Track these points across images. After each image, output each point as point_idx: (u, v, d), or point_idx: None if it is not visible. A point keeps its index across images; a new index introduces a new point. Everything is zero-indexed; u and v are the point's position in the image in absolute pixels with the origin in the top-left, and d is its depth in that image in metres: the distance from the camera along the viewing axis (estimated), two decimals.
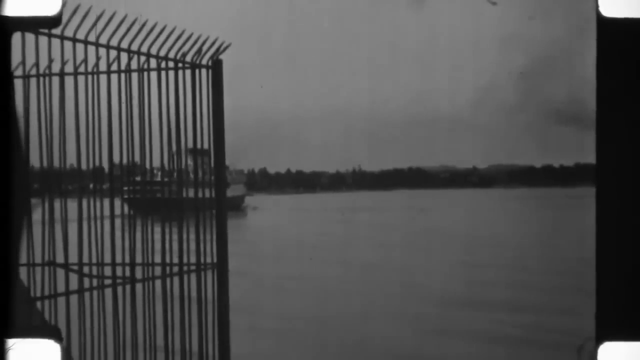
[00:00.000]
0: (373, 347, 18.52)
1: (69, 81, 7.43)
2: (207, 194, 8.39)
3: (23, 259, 7.16)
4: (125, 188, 8.45)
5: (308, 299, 25.69)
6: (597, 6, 3.52)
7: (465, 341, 19.11)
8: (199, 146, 8.31)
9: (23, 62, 7.16)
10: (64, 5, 3.06)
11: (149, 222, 7.85)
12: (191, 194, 8.46)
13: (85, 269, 7.59)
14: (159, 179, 8.67)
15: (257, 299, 24.59)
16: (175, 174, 8.38)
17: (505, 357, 17.95)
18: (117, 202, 7.89)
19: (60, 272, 7.35)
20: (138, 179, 8.37)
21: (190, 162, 8.63)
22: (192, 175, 8.70)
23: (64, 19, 6.97)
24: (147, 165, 7.98)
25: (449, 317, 22.07)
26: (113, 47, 7.56)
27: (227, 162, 8.62)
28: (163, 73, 7.97)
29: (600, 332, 3.59)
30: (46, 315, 7.15)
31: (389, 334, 19.74)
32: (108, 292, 7.63)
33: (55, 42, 7.16)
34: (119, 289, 7.68)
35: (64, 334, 7.13)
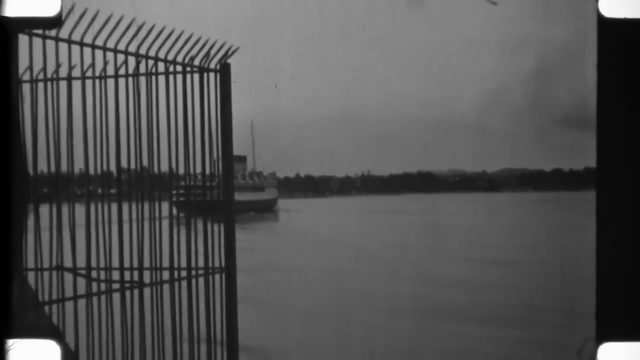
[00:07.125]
0: None
1: (76, 85, 7.42)
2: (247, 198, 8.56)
3: (31, 263, 7.16)
4: (175, 192, 8.46)
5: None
6: (597, 6, 3.51)
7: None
8: (207, 150, 8.31)
9: (30, 67, 7.15)
10: (63, 5, 3.06)
11: (156, 226, 7.85)
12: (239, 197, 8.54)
13: (93, 273, 7.57)
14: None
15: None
16: (217, 179, 8.42)
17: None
18: (125, 207, 7.87)
19: (68, 277, 7.34)
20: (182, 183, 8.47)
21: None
22: (238, 179, 8.73)
23: (70, 22, 7.01)
24: (156, 170, 7.97)
25: None
26: (120, 51, 7.55)
27: (260, 167, 8.90)
28: (171, 77, 7.96)
29: (600, 333, 3.58)
30: (54, 320, 7.14)
31: None
32: (116, 296, 7.62)
33: (63, 46, 7.14)
34: (127, 293, 7.67)
35: (71, 339, 7.13)
